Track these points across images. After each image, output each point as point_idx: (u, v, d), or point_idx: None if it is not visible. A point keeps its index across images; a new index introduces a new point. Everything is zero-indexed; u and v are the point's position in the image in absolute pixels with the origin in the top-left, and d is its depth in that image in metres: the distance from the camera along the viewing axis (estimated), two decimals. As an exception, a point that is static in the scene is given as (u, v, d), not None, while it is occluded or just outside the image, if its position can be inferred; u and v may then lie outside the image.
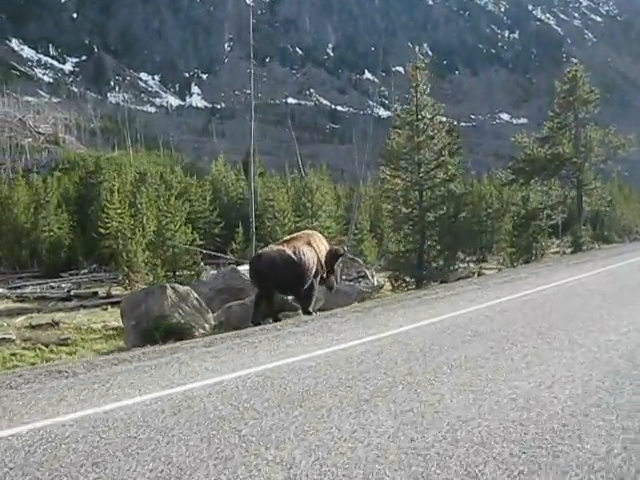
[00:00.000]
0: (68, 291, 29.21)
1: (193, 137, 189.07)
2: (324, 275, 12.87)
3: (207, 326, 12.94)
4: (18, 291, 30.21)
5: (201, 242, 31.89)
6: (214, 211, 45.69)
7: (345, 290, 15.82)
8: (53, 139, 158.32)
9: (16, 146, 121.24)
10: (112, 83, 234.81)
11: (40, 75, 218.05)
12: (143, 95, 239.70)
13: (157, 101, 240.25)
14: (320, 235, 13.51)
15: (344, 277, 21.20)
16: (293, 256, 11.92)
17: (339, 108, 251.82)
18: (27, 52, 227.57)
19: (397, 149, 26.70)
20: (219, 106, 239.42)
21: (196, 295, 13.87)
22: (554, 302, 11.49)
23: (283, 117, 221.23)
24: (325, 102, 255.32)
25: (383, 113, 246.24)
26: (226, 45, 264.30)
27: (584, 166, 35.05)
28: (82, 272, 37.86)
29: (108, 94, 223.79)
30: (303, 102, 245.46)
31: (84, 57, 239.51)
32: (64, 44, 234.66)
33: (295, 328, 10.00)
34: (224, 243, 39.55)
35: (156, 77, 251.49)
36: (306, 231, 14.40)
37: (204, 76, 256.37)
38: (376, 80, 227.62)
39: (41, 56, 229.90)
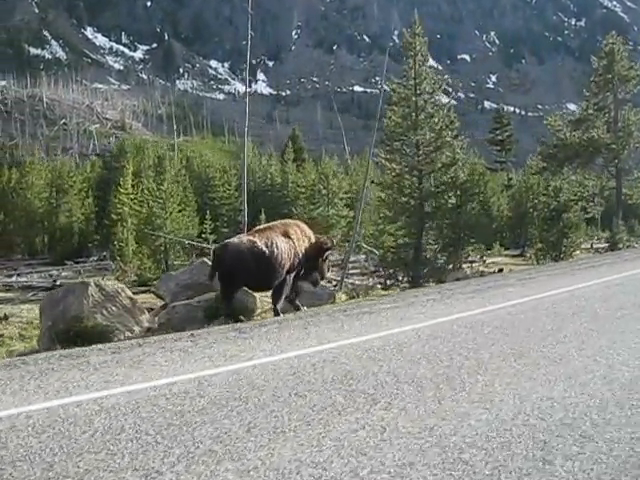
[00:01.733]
0: (54, 281, 26.74)
1: (258, 124, 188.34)
2: (303, 270, 11.48)
3: (137, 329, 11.19)
4: (5, 280, 27.88)
5: (225, 229, 30.03)
6: (239, 197, 42.66)
7: (314, 291, 13.07)
8: (120, 125, 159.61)
9: (84, 132, 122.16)
10: (181, 70, 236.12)
11: (111, 62, 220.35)
12: (212, 82, 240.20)
13: (226, 88, 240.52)
14: (304, 225, 11.95)
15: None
16: (264, 248, 10.60)
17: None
18: (100, 40, 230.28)
19: (393, 129, 23.14)
20: (284, 93, 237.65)
21: (129, 293, 11.93)
22: (516, 324, 8.35)
23: (349, 105, 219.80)
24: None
25: (445, 101, 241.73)
26: (293, 33, 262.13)
27: (623, 153, 30.62)
28: (90, 260, 35.51)
29: (177, 81, 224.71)
30: (369, 90, 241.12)
31: (154, 45, 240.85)
32: (136, 32, 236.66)
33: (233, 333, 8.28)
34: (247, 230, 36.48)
35: (225, 64, 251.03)
36: (286, 220, 12.85)
37: (270, 63, 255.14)
38: (440, 67, 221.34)
39: (113, 44, 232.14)
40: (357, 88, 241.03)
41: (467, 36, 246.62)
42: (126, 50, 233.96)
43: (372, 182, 27.93)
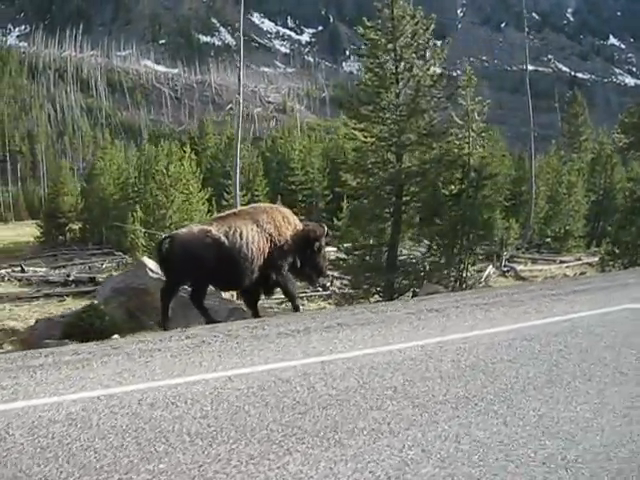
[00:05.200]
0: (67, 275, 24.75)
1: None
2: (293, 264, 9.51)
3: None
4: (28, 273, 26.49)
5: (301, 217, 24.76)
6: (322, 181, 37.44)
7: (209, 306, 9.75)
8: (281, 108, 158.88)
9: (247, 115, 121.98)
10: (347, 52, 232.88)
11: (277, 46, 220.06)
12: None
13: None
14: (284, 210, 9.97)
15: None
16: (223, 238, 8.85)
17: (579, 75, 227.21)
18: (267, 25, 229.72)
19: (364, 88, 16.74)
20: (454, 73, 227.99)
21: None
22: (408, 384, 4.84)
23: (519, 84, 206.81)
24: (564, 69, 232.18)
25: (630, 81, 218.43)
26: (459, 10, 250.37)
27: None
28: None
29: (343, 63, 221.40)
30: (541, 69, 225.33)
31: (320, 28, 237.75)
32: (301, 16, 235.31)
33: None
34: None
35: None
36: (259, 205, 11.26)
37: (438, 42, 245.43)
38: (623, 46, 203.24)
39: (280, 28, 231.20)
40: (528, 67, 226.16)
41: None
42: (292, 34, 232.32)
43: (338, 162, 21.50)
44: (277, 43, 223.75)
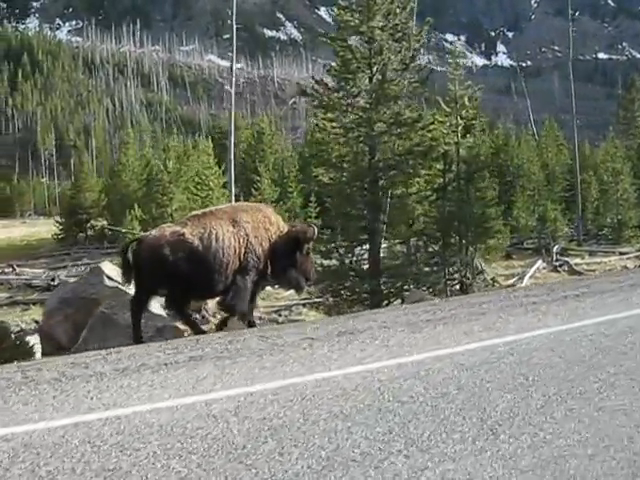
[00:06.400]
0: (52, 279, 22.24)
1: (495, 96, 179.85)
2: (272, 270, 8.54)
3: None
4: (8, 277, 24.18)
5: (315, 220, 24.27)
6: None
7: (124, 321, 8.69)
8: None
9: (307, 110, 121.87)
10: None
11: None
12: (447, 56, 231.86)
13: (461, 61, 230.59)
14: (267, 210, 8.96)
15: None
16: (197, 242, 7.94)
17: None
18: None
19: (334, 74, 15.31)
20: (524, 64, 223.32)
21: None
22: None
23: (592, 73, 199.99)
24: (639, 55, 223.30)
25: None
26: (532, 1, 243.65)
27: None
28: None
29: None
30: (615, 57, 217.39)
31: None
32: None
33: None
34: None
35: (462, 37, 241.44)
36: (239, 204, 11.29)
37: (510, 34, 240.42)
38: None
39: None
40: (601, 55, 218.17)
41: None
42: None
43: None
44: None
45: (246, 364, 5.56)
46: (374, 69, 14.96)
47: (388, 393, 4.66)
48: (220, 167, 31.82)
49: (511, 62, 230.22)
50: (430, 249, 16.46)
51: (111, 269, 10.60)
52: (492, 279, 19.48)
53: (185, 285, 8.11)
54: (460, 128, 16.51)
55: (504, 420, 4.08)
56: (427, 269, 15.94)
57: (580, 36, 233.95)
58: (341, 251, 15.40)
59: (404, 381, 4.91)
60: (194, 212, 9.33)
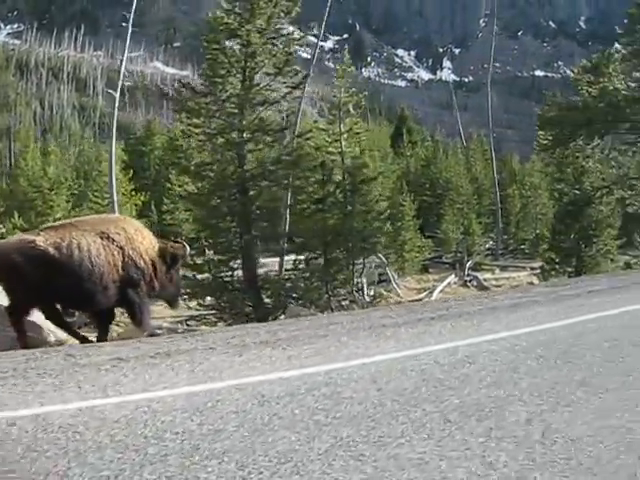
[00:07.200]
0: None
1: (437, 110, 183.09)
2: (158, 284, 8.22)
3: None
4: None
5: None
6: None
7: None
8: (290, 112, 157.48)
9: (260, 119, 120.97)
10: (369, 59, 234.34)
11: (300, 52, 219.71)
12: (396, 70, 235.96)
13: (409, 75, 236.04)
14: (135, 223, 8.61)
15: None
16: (51, 251, 7.45)
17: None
18: (289, 31, 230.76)
19: (207, 75, 14.29)
20: (467, 79, 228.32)
21: None
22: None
23: (529, 90, 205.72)
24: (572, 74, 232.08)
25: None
26: (481, 21, 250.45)
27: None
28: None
29: (362, 69, 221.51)
30: (550, 74, 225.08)
31: (345, 35, 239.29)
32: (328, 24, 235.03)
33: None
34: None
35: (412, 53, 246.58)
36: (105, 215, 11.04)
37: (456, 51, 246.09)
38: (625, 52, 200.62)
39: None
40: (538, 73, 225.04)
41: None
42: (316, 40, 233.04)
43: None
44: (300, 49, 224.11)
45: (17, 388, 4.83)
46: (247, 73, 14.03)
47: (151, 428, 3.93)
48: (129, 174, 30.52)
49: (454, 77, 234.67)
50: (310, 264, 15.54)
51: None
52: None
53: (50, 294, 7.79)
54: (344, 137, 15.64)
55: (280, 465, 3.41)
56: (305, 284, 15.05)
57: (520, 54, 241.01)
58: (211, 265, 14.41)
59: (182, 414, 4.20)
60: (49, 224, 9.44)
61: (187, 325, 14.17)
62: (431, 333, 6.93)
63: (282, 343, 6.51)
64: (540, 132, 21.73)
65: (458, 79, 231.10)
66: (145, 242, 8.38)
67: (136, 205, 28.71)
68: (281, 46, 14.20)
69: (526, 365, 5.54)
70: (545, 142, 20.93)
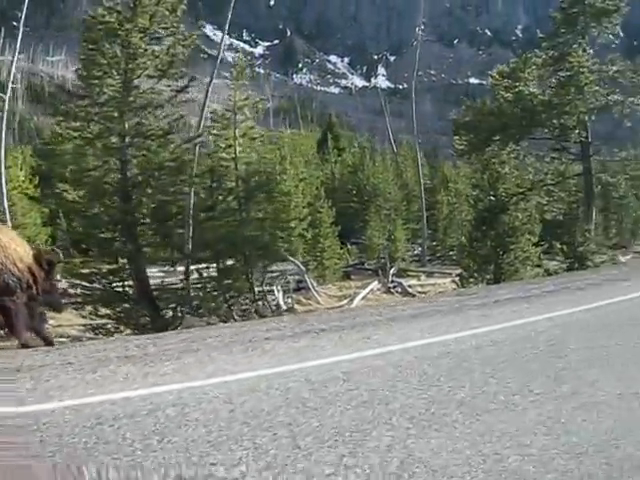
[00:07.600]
0: None
1: (371, 117, 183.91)
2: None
3: None
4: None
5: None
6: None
7: None
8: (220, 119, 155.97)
9: (184, 124, 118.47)
10: (300, 65, 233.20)
11: (229, 59, 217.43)
12: (329, 77, 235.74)
13: (342, 82, 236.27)
14: (8, 232, 8.83)
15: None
16: None
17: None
18: (219, 37, 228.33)
19: (82, 76, 13.44)
20: (401, 86, 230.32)
21: None
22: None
23: (463, 97, 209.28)
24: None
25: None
26: (417, 29, 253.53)
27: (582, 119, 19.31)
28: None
29: (294, 76, 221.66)
30: (484, 82, 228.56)
31: (276, 41, 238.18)
32: (258, 30, 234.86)
33: None
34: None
35: (345, 59, 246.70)
36: None
37: (391, 58, 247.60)
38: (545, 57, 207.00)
39: (233, 40, 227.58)
40: (472, 80, 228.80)
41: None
42: (246, 46, 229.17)
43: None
44: (228, 55, 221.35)
45: None
46: (127, 75, 13.25)
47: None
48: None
49: (389, 84, 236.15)
50: (205, 273, 14.91)
51: None
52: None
53: None
54: (238, 142, 15.03)
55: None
56: (200, 294, 14.44)
57: (456, 62, 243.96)
58: (99, 275, 13.64)
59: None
60: None
61: (95, 333, 13.54)
62: (314, 347, 6.60)
63: (147, 359, 6.11)
64: (456, 137, 21.60)
65: (393, 86, 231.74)
66: (19, 249, 8.33)
67: (42, 212, 27.59)
68: (164, 47, 13.39)
69: (405, 382, 5.17)
70: (461, 147, 20.74)
